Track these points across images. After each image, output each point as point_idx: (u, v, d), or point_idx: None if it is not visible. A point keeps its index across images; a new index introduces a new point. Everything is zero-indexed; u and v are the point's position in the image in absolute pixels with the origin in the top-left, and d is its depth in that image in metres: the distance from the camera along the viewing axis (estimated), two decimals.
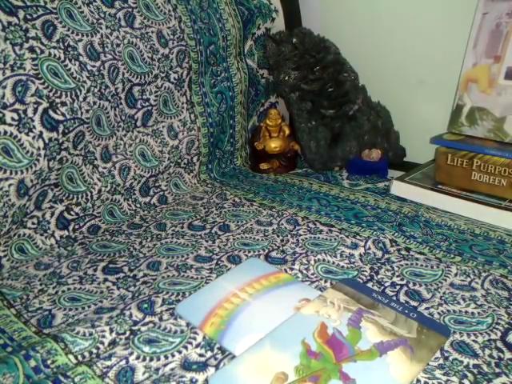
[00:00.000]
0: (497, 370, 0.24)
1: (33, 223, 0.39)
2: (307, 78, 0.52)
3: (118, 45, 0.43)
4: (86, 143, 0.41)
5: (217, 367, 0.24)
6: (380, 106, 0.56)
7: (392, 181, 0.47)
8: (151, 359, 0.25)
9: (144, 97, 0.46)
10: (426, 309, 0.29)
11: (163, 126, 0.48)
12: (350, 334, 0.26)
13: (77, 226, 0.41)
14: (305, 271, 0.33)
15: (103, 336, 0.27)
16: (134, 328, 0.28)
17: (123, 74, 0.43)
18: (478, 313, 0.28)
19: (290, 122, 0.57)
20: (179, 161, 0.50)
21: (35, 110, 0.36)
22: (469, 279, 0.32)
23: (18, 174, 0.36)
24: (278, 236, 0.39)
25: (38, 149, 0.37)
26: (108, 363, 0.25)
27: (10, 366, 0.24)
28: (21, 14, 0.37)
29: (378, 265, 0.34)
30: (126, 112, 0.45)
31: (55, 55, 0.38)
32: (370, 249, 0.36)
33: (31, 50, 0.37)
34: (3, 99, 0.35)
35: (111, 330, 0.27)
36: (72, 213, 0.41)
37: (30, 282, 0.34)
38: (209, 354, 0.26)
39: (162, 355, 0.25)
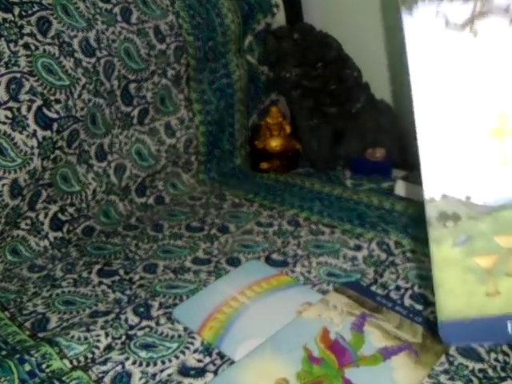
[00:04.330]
0: (502, 374, 0.23)
1: (26, 224, 0.38)
2: (309, 75, 0.51)
3: (113, 41, 0.42)
4: (81, 142, 0.41)
5: (215, 373, 0.24)
6: (384, 104, 0.55)
7: (396, 180, 0.46)
8: (148, 364, 0.25)
9: (140, 94, 0.45)
10: (432, 313, 0.28)
11: (160, 124, 0.48)
12: (353, 339, 0.25)
13: (71, 228, 0.41)
14: (306, 274, 0.32)
15: (98, 340, 0.26)
16: (130, 332, 0.27)
17: (119, 70, 0.42)
18: None
19: (292, 120, 0.56)
20: (177, 160, 0.49)
21: (29, 108, 0.36)
22: None
23: (12, 174, 0.35)
24: (279, 237, 0.38)
25: (32, 147, 0.36)
26: (104, 368, 0.24)
27: (4, 370, 0.24)
28: (16, 10, 0.36)
29: (382, 267, 0.33)
30: (121, 110, 0.44)
31: (50, 52, 0.37)
32: (373, 251, 0.35)
33: (26, 46, 0.36)
34: None
35: (107, 335, 0.27)
36: (66, 214, 0.41)
37: (23, 285, 0.33)
38: (207, 359, 0.25)
39: (158, 360, 0.25)
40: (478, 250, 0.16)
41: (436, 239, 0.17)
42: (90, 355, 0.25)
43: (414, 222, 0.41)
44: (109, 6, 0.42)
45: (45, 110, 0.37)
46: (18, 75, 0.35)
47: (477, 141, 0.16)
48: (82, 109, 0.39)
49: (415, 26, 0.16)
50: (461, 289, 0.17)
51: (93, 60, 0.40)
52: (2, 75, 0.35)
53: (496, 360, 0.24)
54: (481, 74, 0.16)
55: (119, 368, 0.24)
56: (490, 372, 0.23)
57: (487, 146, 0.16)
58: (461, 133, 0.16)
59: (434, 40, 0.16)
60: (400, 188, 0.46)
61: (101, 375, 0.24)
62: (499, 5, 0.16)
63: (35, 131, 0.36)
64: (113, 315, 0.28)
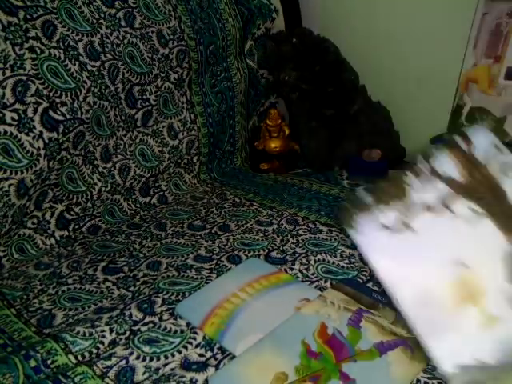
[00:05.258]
0: None
1: (33, 223, 0.39)
2: (307, 78, 0.52)
3: (118, 45, 0.43)
4: (86, 143, 0.41)
5: (217, 367, 0.24)
6: (380, 106, 0.56)
7: None
8: (151, 359, 0.25)
9: (144, 97, 0.46)
10: None
11: (163, 126, 0.49)
12: (350, 334, 0.26)
13: (77, 226, 0.41)
14: (305, 271, 0.33)
15: (103, 336, 0.27)
16: (134, 328, 0.28)
17: (123, 73, 0.43)
18: None
19: (290, 122, 0.57)
20: (179, 161, 0.50)
21: (35, 110, 0.36)
22: None
23: (18, 174, 0.36)
24: (278, 236, 0.39)
25: (38, 149, 0.37)
26: (108, 363, 0.25)
27: (10, 366, 0.24)
28: (21, 14, 0.37)
29: None
30: (126, 112, 0.45)
31: (55, 55, 0.38)
32: None
33: (31, 50, 0.37)
34: (3, 99, 0.35)
35: (111, 330, 0.27)
36: (72, 213, 0.41)
37: (30, 282, 0.34)
38: (209, 354, 0.26)
39: (162, 355, 0.25)
40: None
41: None
42: (94, 350, 0.26)
43: None
44: (113, 11, 0.43)
45: (51, 112, 0.37)
46: (24, 78, 0.36)
47: (458, 311, 0.17)
48: (87, 111, 0.40)
49: (366, 241, 0.18)
50: None
51: (97, 64, 0.41)
52: (8, 78, 0.35)
53: None
54: (433, 257, 0.18)
55: (123, 363, 0.25)
56: None
57: (468, 312, 0.17)
58: (443, 310, 0.18)
59: (382, 242, 0.18)
60: None
61: (105, 370, 0.24)
62: (416, 202, 0.18)
63: (41, 133, 0.37)
64: (117, 311, 0.29)
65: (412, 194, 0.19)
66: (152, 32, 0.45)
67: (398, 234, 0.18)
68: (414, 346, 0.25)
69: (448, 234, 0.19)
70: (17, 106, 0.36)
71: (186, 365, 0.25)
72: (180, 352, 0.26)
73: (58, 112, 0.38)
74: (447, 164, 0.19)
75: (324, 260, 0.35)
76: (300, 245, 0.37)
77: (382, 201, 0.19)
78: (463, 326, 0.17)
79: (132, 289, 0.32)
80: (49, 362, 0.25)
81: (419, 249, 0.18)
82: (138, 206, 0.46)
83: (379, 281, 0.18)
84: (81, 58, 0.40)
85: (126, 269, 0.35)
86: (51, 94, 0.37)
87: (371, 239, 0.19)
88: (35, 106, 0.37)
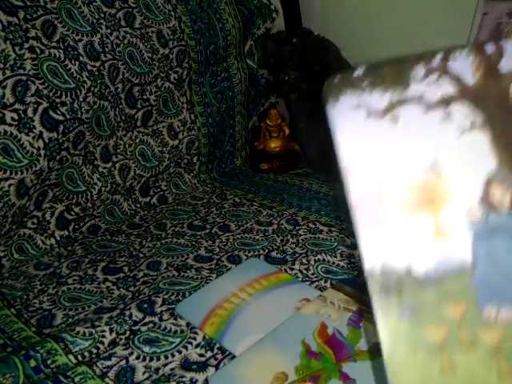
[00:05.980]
0: None
1: (33, 223, 0.39)
2: (307, 78, 0.52)
3: (118, 45, 0.43)
4: (86, 143, 0.42)
5: (217, 367, 0.25)
6: None
7: None
8: (151, 359, 0.25)
9: (144, 97, 0.46)
10: None
11: (163, 126, 0.49)
12: (350, 334, 0.26)
13: (77, 226, 0.42)
14: (305, 271, 0.33)
15: (103, 336, 0.27)
16: (134, 328, 0.28)
17: (123, 73, 0.43)
18: None
19: (290, 122, 0.57)
20: (179, 161, 0.50)
21: (35, 110, 0.37)
22: None
23: (18, 174, 0.36)
24: (278, 236, 0.39)
25: (38, 149, 0.37)
26: (108, 363, 0.25)
27: (10, 366, 0.24)
28: (21, 14, 0.37)
29: None
30: (126, 112, 0.45)
31: (55, 55, 0.38)
32: None
33: (31, 50, 0.37)
34: (3, 99, 0.35)
35: (111, 330, 0.27)
36: (72, 213, 0.41)
37: (30, 282, 0.34)
38: (209, 353, 0.26)
39: (162, 355, 0.26)
40: (427, 321, 0.15)
41: (381, 314, 0.15)
42: (94, 350, 0.26)
43: None
44: (113, 11, 0.43)
45: (51, 113, 0.37)
46: (24, 78, 0.36)
47: (410, 214, 0.16)
48: (87, 111, 0.40)
49: (339, 118, 0.16)
50: (413, 366, 0.15)
51: (97, 64, 0.41)
52: (8, 78, 0.35)
53: None
54: (404, 155, 0.16)
55: (123, 363, 0.25)
56: None
57: (421, 217, 0.16)
58: (393, 207, 0.16)
59: (358, 128, 0.16)
60: None
61: (105, 370, 0.24)
62: (414, 94, 0.16)
63: (41, 133, 0.37)
64: (117, 311, 0.29)
65: (413, 87, 0.16)
66: (152, 32, 0.45)
67: (377, 119, 0.16)
68: None
69: (431, 135, 0.16)
70: (17, 105, 0.36)
71: (186, 365, 0.25)
72: (180, 352, 0.26)
73: (58, 112, 0.38)
74: (465, 66, 0.16)
75: (324, 260, 0.35)
76: (300, 245, 0.37)
77: (378, 86, 0.16)
78: (407, 228, 0.15)
79: (132, 289, 0.32)
80: (49, 361, 0.25)
81: (393, 140, 0.16)
82: (138, 205, 0.46)
83: (338, 157, 0.16)
84: (81, 58, 0.40)
85: (126, 269, 0.35)
86: (51, 94, 0.37)
87: (347, 118, 0.16)
88: (35, 106, 0.37)
